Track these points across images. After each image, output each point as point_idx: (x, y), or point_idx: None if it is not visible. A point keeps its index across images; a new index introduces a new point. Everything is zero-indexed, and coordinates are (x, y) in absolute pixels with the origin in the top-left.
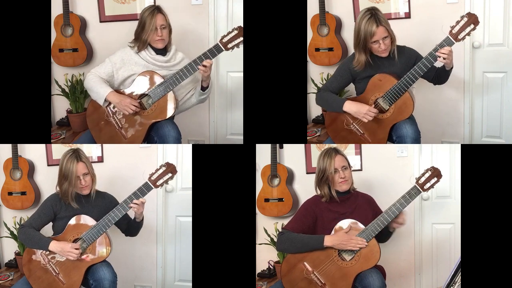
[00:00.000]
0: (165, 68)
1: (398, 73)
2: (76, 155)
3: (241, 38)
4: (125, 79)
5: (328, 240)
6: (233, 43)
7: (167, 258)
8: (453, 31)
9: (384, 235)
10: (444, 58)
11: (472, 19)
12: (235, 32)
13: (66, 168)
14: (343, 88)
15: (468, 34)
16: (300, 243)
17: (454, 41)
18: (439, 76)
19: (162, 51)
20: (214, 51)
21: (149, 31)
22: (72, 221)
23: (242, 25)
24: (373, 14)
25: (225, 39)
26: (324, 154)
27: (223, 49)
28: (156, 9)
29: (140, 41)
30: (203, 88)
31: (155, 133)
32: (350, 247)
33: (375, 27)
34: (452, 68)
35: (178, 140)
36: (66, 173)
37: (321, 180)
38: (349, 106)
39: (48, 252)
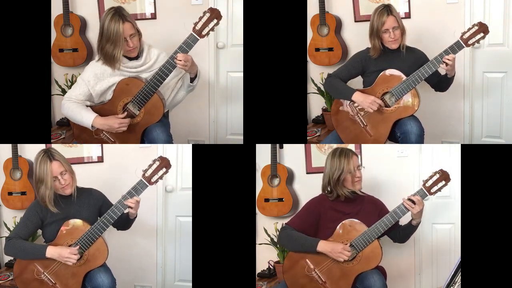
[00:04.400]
0: (144, 71)
1: (406, 71)
2: (48, 154)
3: (216, 21)
4: (104, 92)
5: (321, 246)
6: (208, 29)
7: (167, 258)
8: (464, 37)
9: (406, 232)
10: (447, 64)
11: (483, 28)
12: (207, 15)
13: (40, 171)
14: (352, 78)
15: (478, 41)
16: (296, 243)
17: (464, 45)
18: (441, 82)
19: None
20: (190, 43)
21: (117, 44)
22: (64, 226)
23: (213, 6)
24: (386, 6)
25: (198, 26)
26: (339, 154)
27: (198, 38)
28: (120, 18)
29: (111, 58)
30: (192, 80)
31: (146, 137)
32: (336, 258)
33: (385, 16)
34: (454, 76)
35: (168, 143)
36: (41, 176)
37: (337, 180)
38: (357, 96)
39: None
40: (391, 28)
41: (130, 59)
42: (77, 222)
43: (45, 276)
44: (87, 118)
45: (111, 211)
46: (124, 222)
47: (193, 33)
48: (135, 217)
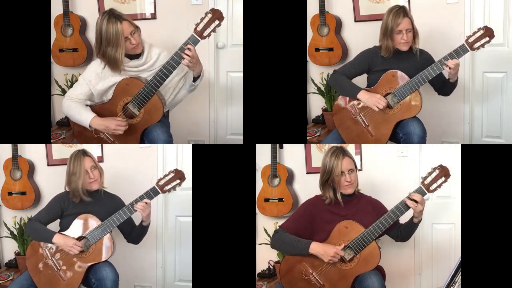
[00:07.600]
0: (144, 71)
1: (413, 72)
2: (82, 152)
3: (217, 22)
4: (105, 91)
5: (313, 248)
6: (209, 30)
7: (167, 258)
8: (469, 40)
9: (408, 230)
10: (450, 68)
11: (488, 33)
12: (209, 16)
13: (74, 165)
14: (357, 75)
15: (483, 45)
16: (288, 246)
17: (469, 49)
18: (444, 86)
19: (136, 55)
20: (190, 43)
21: (119, 46)
22: (77, 220)
23: (213, 7)
24: (401, 7)
25: (199, 27)
26: (331, 154)
27: (199, 39)
28: (117, 19)
29: (111, 60)
30: (194, 79)
31: (146, 137)
32: (329, 261)
33: (401, 17)
34: (456, 81)
35: (168, 143)
36: (75, 170)
37: (326, 182)
38: (363, 95)
39: (50, 248)
40: (405, 30)
41: (131, 58)
42: None
43: (52, 261)
44: (85, 117)
45: (121, 211)
46: (136, 232)
47: (194, 34)
48: (147, 227)
